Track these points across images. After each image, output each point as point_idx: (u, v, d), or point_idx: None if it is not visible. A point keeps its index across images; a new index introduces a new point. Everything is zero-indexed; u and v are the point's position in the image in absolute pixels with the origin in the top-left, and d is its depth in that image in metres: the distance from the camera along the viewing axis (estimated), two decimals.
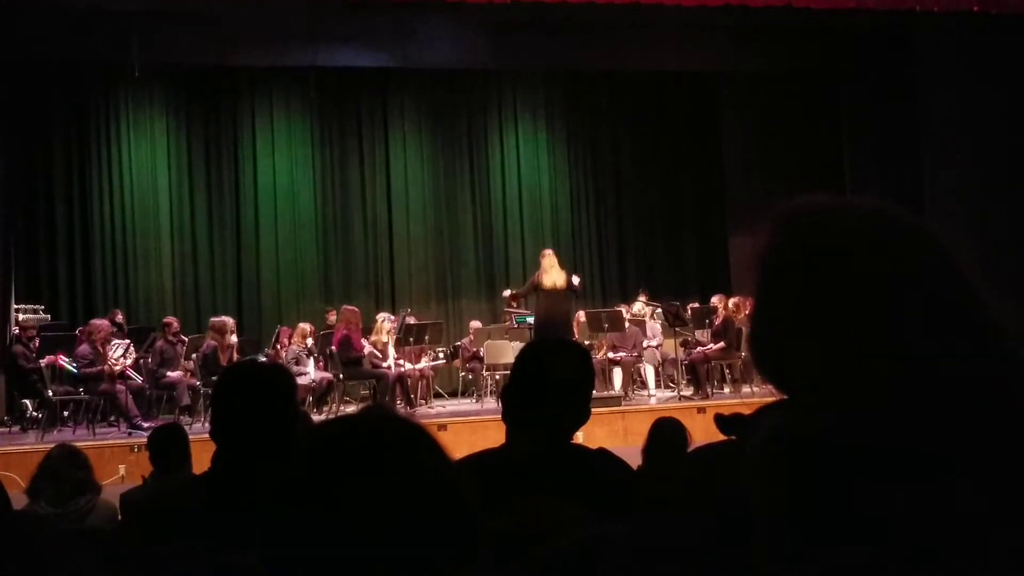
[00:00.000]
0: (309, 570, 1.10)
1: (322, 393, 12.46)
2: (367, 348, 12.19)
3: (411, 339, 12.64)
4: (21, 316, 12.85)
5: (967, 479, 0.94)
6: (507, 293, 13.32)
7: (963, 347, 0.98)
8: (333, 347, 12.28)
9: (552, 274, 12.12)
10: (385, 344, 12.49)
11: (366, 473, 1.12)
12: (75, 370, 11.03)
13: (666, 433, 4.90)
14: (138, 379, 11.72)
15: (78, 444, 5.73)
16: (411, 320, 13.29)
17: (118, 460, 9.71)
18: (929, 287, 1.01)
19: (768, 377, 1.10)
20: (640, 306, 14.09)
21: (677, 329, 13.00)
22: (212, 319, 12.11)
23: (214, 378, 7.78)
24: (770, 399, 1.13)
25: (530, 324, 12.90)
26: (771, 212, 1.11)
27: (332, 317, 14.37)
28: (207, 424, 2.71)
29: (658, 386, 13.41)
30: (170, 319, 12.73)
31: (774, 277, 1.07)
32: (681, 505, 1.24)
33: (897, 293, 1.00)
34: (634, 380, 13.39)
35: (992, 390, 0.97)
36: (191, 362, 11.93)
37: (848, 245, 1.03)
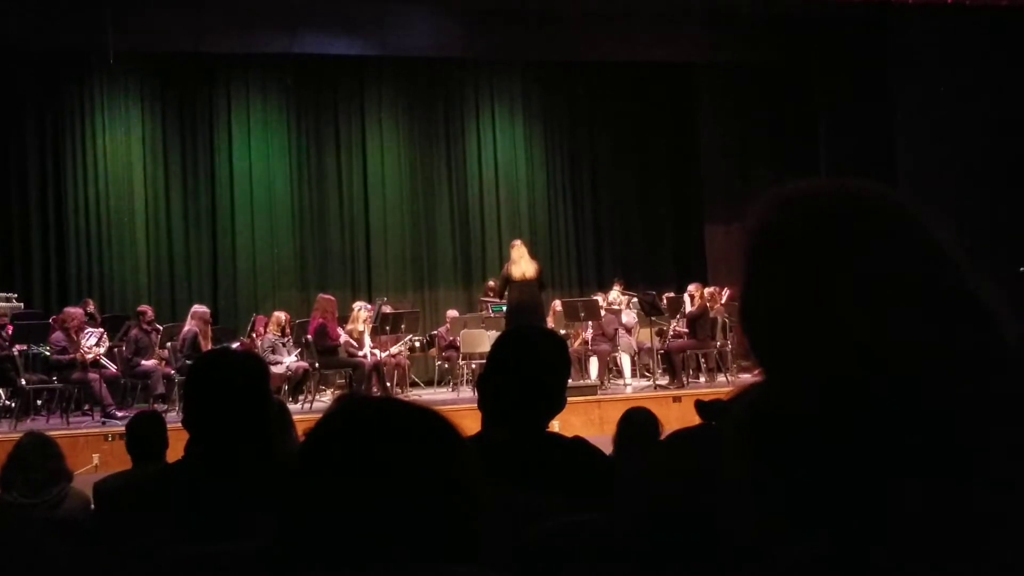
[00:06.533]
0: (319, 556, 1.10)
1: (298, 382, 12.43)
2: (343, 337, 12.16)
3: (387, 328, 12.62)
4: None
5: (945, 453, 0.94)
6: (490, 283, 13.31)
7: (944, 320, 0.98)
8: (309, 336, 12.25)
9: (521, 264, 12.08)
10: (361, 333, 12.46)
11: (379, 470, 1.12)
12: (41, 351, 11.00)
13: (636, 423, 4.85)
14: (112, 367, 11.65)
15: (52, 433, 5.68)
16: (387, 309, 13.26)
17: (92, 449, 9.64)
18: (905, 260, 1.01)
19: (759, 356, 1.10)
20: (616, 295, 14.10)
21: (653, 318, 13.03)
22: (195, 307, 12.06)
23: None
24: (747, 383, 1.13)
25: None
26: (759, 198, 1.11)
27: None
28: (182, 413, 2.70)
29: (634, 375, 13.44)
30: (145, 307, 12.64)
31: (762, 257, 1.08)
32: (652, 488, 1.24)
33: (873, 266, 1.00)
34: (610, 369, 13.42)
35: (976, 363, 0.97)
36: (166, 350, 11.85)
37: (829, 222, 1.04)
